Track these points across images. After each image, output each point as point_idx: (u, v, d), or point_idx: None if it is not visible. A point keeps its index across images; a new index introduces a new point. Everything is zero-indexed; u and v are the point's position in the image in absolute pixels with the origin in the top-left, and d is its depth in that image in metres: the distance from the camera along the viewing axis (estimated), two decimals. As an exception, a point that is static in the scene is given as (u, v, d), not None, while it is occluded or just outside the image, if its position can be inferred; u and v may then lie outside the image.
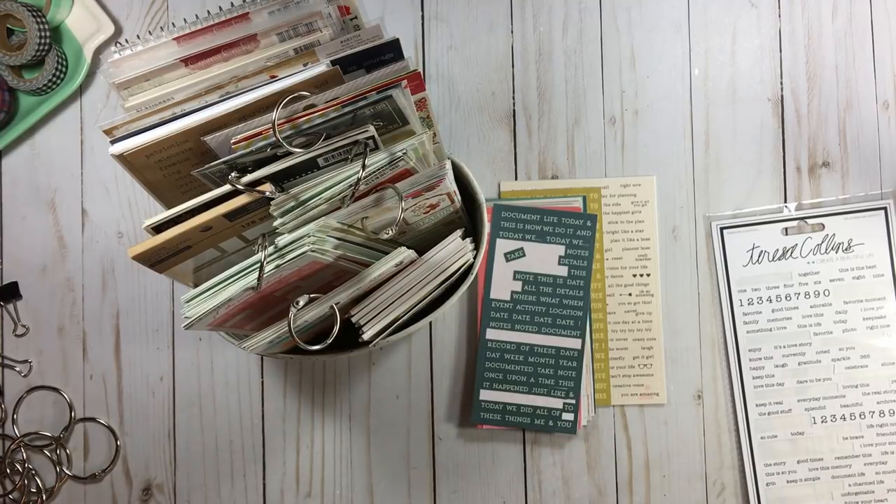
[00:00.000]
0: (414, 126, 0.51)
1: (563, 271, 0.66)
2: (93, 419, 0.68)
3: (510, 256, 0.66)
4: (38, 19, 0.64)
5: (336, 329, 0.50)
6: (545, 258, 0.66)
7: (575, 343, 0.65)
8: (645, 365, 0.66)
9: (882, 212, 0.66)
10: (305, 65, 0.52)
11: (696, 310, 0.67)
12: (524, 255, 0.66)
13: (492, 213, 0.66)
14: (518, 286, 0.66)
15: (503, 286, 0.66)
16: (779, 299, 0.66)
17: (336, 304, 0.50)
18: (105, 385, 0.68)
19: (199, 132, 0.49)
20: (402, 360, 0.67)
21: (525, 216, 0.66)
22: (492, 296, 0.66)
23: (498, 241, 0.66)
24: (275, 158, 0.48)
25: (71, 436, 0.68)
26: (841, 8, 0.68)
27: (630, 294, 0.67)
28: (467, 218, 0.60)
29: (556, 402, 0.65)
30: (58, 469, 0.67)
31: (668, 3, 0.68)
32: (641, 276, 0.67)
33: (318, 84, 0.50)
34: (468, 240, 0.57)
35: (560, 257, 0.66)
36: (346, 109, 0.47)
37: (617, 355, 0.66)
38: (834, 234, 0.66)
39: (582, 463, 0.66)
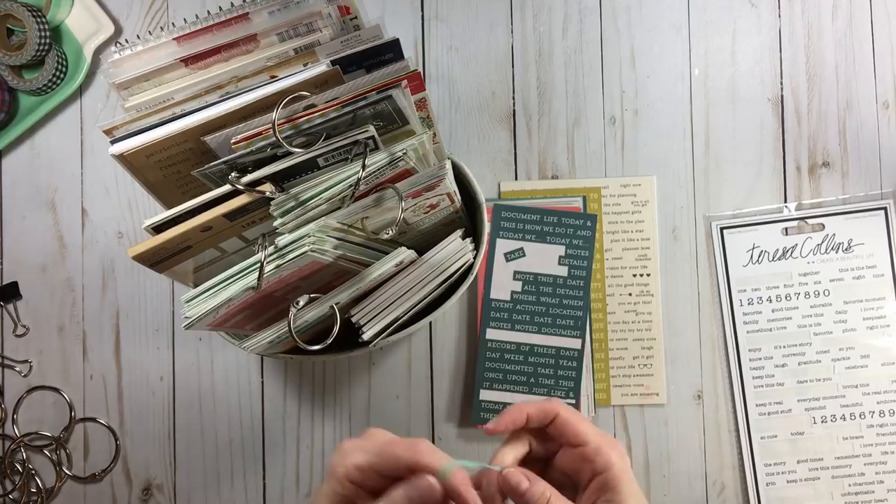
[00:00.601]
0: (414, 126, 0.51)
1: (563, 271, 0.66)
2: (93, 419, 0.68)
3: (510, 256, 0.66)
4: (38, 19, 0.64)
5: (336, 329, 0.50)
6: (545, 258, 0.66)
7: (575, 343, 0.65)
8: (645, 365, 0.66)
9: (882, 212, 0.66)
10: (305, 65, 0.52)
11: (696, 310, 0.67)
12: (524, 255, 0.66)
13: (492, 213, 0.66)
14: (518, 286, 0.66)
15: (503, 286, 0.66)
16: (779, 299, 0.66)
17: (336, 304, 0.50)
18: (105, 385, 0.68)
19: (199, 132, 0.49)
20: (402, 360, 0.67)
21: (525, 216, 0.66)
22: (492, 296, 0.66)
23: (498, 241, 0.66)
24: (275, 158, 0.48)
25: (71, 436, 0.68)
26: (841, 8, 0.68)
27: (630, 294, 0.67)
28: (467, 218, 0.60)
29: (556, 402, 0.65)
30: (58, 469, 0.67)
31: (668, 3, 0.68)
32: (641, 275, 0.67)
33: (318, 84, 0.50)
34: (468, 240, 0.57)
35: (560, 257, 0.66)
36: (346, 109, 0.47)
37: (617, 355, 0.66)
38: (834, 234, 0.66)
39: (582, 463, 0.66)
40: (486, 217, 0.59)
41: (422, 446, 0.42)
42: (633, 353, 0.66)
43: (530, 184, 0.67)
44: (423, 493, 0.41)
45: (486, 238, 0.59)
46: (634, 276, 0.67)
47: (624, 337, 0.66)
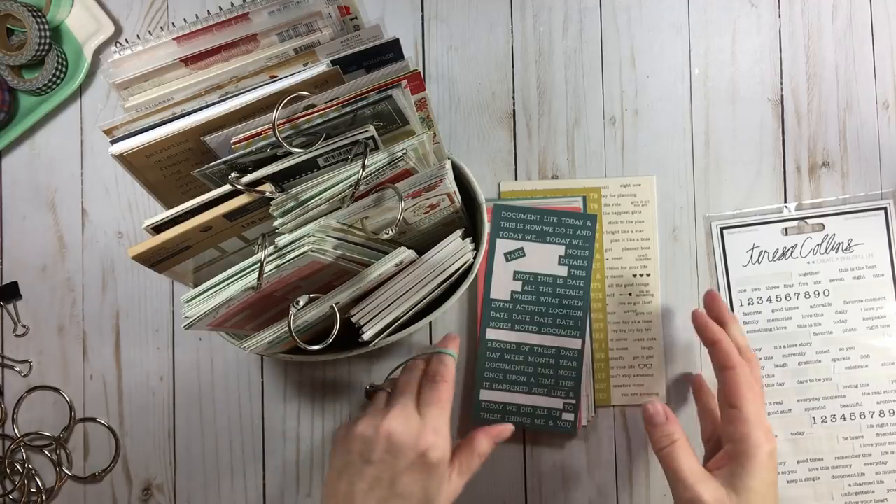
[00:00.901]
0: (414, 126, 0.51)
1: (563, 271, 0.66)
2: (93, 419, 0.68)
3: (510, 256, 0.66)
4: (38, 19, 0.64)
5: (336, 329, 0.50)
6: (545, 258, 0.66)
7: (575, 343, 0.65)
8: (645, 365, 0.66)
9: (882, 212, 0.66)
10: (305, 65, 0.52)
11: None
12: (524, 255, 0.66)
13: (492, 213, 0.66)
14: (518, 286, 0.66)
15: (503, 286, 0.66)
16: (779, 299, 0.66)
17: (336, 304, 0.50)
18: (105, 385, 0.68)
19: (199, 132, 0.49)
20: (402, 361, 0.67)
21: (525, 216, 0.66)
22: (492, 296, 0.66)
23: (498, 241, 0.66)
24: (275, 158, 0.48)
25: (71, 436, 0.68)
26: (841, 8, 0.68)
27: (630, 294, 0.67)
28: (467, 218, 0.60)
29: (556, 402, 0.65)
30: (58, 469, 0.67)
31: (668, 3, 0.68)
32: (641, 275, 0.67)
33: (318, 84, 0.50)
34: (468, 240, 0.57)
35: (560, 257, 0.66)
36: (346, 109, 0.47)
37: (617, 355, 0.66)
38: (834, 234, 0.66)
39: (582, 463, 0.66)
40: (486, 217, 0.59)
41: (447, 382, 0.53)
42: (633, 352, 0.66)
43: (530, 184, 0.67)
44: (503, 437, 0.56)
45: (486, 238, 0.59)
46: (634, 276, 0.67)
47: (624, 337, 0.66)
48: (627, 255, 0.67)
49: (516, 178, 0.68)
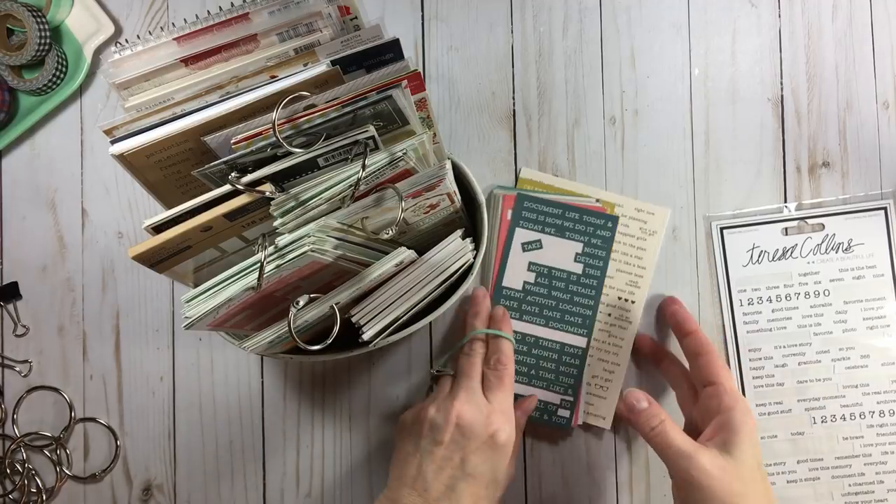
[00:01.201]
0: (414, 126, 0.51)
1: (577, 268, 0.66)
2: (93, 419, 0.68)
3: (527, 247, 0.66)
4: (38, 19, 0.64)
5: (336, 329, 0.50)
6: (562, 253, 0.66)
7: (580, 341, 0.65)
8: (601, 386, 0.65)
9: (882, 212, 0.66)
10: (305, 65, 0.52)
11: (696, 310, 0.67)
12: (541, 248, 0.66)
13: (514, 202, 0.66)
14: (531, 277, 0.66)
15: (517, 275, 0.66)
16: (779, 299, 0.66)
17: (336, 304, 0.50)
18: (105, 385, 0.68)
19: (199, 132, 0.49)
20: (402, 360, 0.67)
21: (547, 209, 0.66)
22: (504, 283, 0.66)
23: (517, 230, 0.66)
24: (275, 158, 0.48)
25: (71, 436, 0.68)
26: (841, 8, 0.68)
27: (609, 315, 0.66)
28: (467, 218, 0.60)
29: (554, 398, 0.65)
30: (58, 469, 0.67)
31: (668, 3, 0.68)
32: (626, 300, 0.66)
33: (318, 84, 0.51)
34: (468, 240, 0.57)
35: (577, 254, 0.66)
36: (346, 109, 0.47)
37: None
38: (834, 234, 0.66)
39: (582, 463, 0.66)
40: (486, 217, 0.59)
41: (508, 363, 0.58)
42: (593, 371, 0.65)
43: (548, 178, 0.67)
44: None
45: (485, 238, 0.59)
46: (619, 298, 0.66)
47: (590, 354, 0.65)
48: (619, 277, 0.66)
49: (516, 178, 0.68)
